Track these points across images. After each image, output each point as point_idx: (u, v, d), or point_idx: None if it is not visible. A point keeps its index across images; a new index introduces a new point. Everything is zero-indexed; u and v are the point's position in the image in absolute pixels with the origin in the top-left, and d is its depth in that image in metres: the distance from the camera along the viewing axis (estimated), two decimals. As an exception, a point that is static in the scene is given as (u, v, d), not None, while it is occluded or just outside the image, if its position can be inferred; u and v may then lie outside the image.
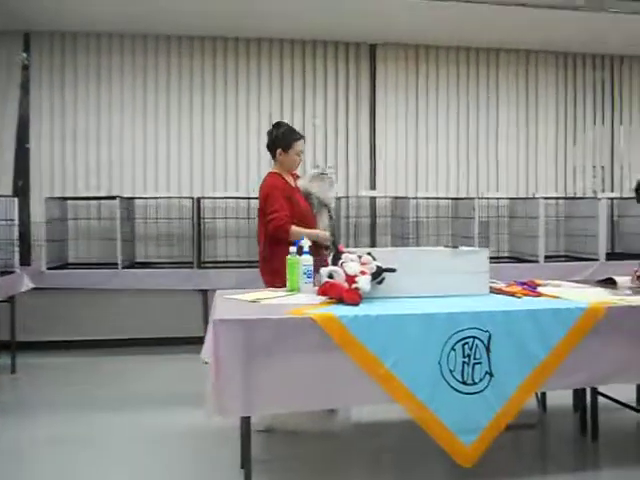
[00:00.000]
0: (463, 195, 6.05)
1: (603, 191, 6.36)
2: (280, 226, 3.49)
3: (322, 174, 3.69)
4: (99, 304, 5.52)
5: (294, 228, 3.50)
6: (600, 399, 3.21)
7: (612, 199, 6.20)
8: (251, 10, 5.10)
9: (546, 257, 5.54)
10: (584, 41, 6.03)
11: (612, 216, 6.25)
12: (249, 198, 5.69)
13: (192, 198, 5.50)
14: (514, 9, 4.97)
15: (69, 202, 5.58)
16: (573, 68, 6.42)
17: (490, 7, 4.94)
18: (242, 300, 2.86)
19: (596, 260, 5.52)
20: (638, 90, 6.52)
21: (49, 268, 5.09)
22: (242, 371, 2.35)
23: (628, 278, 3.34)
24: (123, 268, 5.16)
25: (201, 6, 4.97)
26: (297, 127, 5.74)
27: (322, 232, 3.57)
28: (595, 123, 6.48)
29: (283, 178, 3.68)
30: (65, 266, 5.41)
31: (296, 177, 3.81)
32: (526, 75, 6.34)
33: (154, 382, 4.49)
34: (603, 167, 6.49)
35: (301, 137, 3.73)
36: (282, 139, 3.68)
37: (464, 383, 2.48)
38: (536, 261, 5.46)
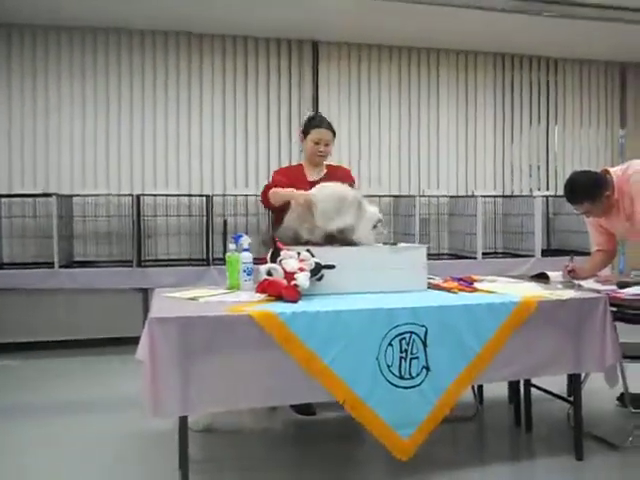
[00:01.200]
0: (404, 193, 6.14)
1: (539, 189, 6.56)
2: (262, 193, 3.42)
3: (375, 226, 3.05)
4: (35, 305, 5.36)
5: (272, 190, 3.32)
6: (533, 391, 3.31)
7: (547, 197, 6.40)
8: (195, 5, 5.04)
9: (484, 254, 5.69)
10: (521, 43, 6.22)
11: (547, 213, 6.45)
12: (190, 195, 5.63)
13: (132, 195, 5.38)
14: (453, 10, 5.07)
15: (2, 200, 5.36)
16: (510, 69, 6.60)
17: (430, 8, 5.01)
18: (180, 298, 2.82)
19: (532, 256, 5.70)
20: (572, 91, 6.76)
21: (-20, 268, 4.91)
22: (179, 370, 2.32)
23: (560, 273, 3.46)
24: (60, 267, 5.02)
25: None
26: (240, 125, 5.89)
27: (301, 192, 3.16)
28: (531, 123, 6.69)
29: (300, 169, 3.58)
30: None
31: (335, 170, 3.62)
32: (465, 75, 6.48)
33: (92, 384, 4.39)
34: (539, 166, 6.69)
35: (319, 126, 3.51)
36: (304, 125, 3.60)
37: (401, 378, 2.51)
38: (474, 257, 5.60)
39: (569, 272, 3.36)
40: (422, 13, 5.17)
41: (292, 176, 3.50)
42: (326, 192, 3.02)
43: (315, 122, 3.55)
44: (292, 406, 3.54)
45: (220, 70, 5.89)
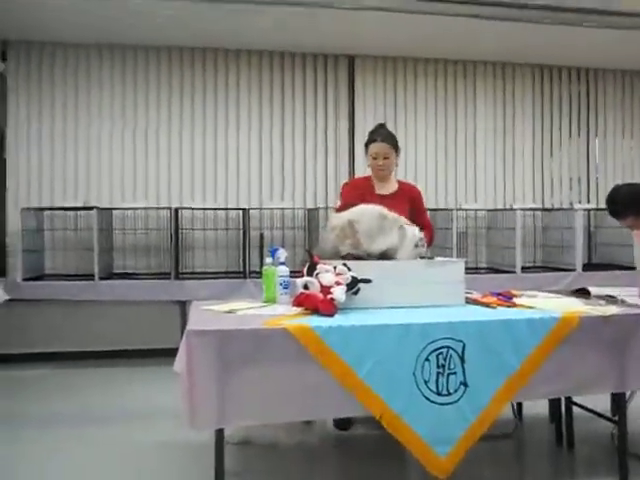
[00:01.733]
0: (442, 206, 6.09)
1: (580, 202, 6.43)
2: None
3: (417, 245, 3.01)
4: (76, 316, 5.46)
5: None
6: (575, 409, 3.22)
7: (588, 210, 6.27)
8: (230, 22, 5.11)
9: (523, 268, 5.58)
10: (560, 54, 6.13)
11: (589, 227, 6.31)
12: (227, 209, 5.68)
13: (170, 208, 5.45)
14: (490, 23, 5.02)
15: (45, 212, 5.52)
16: (549, 80, 6.51)
17: (466, 20, 4.98)
18: (217, 311, 2.84)
19: (573, 270, 5.57)
20: (612, 102, 6.63)
21: (25, 279, 5.02)
22: (216, 383, 2.33)
23: (602, 289, 3.37)
24: (100, 279, 5.10)
25: (180, 17, 4.98)
26: (276, 139, 5.93)
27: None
28: (571, 135, 6.57)
29: (369, 181, 3.56)
30: (41, 277, 5.33)
31: (407, 187, 3.62)
32: (503, 87, 6.41)
33: (130, 395, 4.44)
34: (579, 178, 6.57)
35: (375, 140, 3.46)
36: (367, 138, 3.57)
37: (438, 394, 2.47)
38: (513, 272, 5.50)
39: None
40: (458, 26, 5.14)
41: (360, 189, 3.50)
42: (368, 212, 2.99)
43: (372, 136, 3.51)
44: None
45: (257, 85, 5.95)
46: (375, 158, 3.46)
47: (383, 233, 2.92)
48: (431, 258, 3.10)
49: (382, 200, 3.31)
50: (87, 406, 4.13)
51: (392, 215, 2.99)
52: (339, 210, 3.42)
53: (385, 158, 3.46)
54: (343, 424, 3.47)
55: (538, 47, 5.84)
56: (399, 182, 3.61)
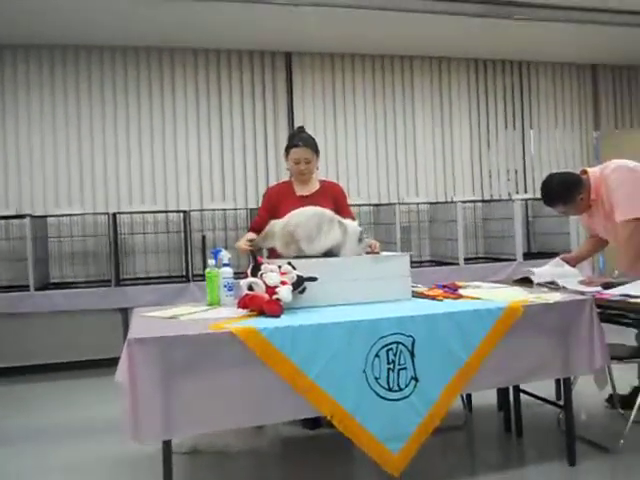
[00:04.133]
0: (384, 201, 6.12)
1: (517, 193, 6.58)
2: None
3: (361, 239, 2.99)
4: (11, 329, 5.20)
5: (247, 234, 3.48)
6: (522, 396, 3.27)
7: (526, 200, 6.41)
8: (166, 19, 4.98)
9: (466, 259, 5.68)
10: (493, 48, 6.25)
11: (527, 217, 6.46)
12: (167, 212, 5.55)
13: (107, 213, 5.28)
14: (426, 17, 5.06)
15: (-26, 222, 5.26)
16: (484, 74, 6.63)
17: (402, 15, 5.00)
18: (160, 317, 2.75)
19: (514, 260, 5.69)
20: (545, 95, 6.81)
21: (-47, 293, 4.78)
22: (160, 392, 2.24)
23: (543, 268, 3.44)
24: (36, 290, 4.90)
25: (117, 13, 4.82)
26: (215, 139, 5.82)
27: (241, 242, 3.34)
28: (507, 127, 6.72)
29: (290, 185, 3.56)
30: (-28, 290, 5.08)
31: (329, 185, 3.63)
32: (439, 81, 6.50)
33: (73, 408, 4.27)
34: (516, 170, 6.72)
35: (297, 145, 3.44)
36: (286, 143, 3.57)
37: (389, 390, 2.46)
38: (456, 263, 5.58)
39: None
40: (394, 20, 5.17)
41: (281, 193, 3.51)
42: (302, 215, 2.96)
43: (294, 141, 3.49)
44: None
45: (193, 83, 5.84)
46: (297, 163, 3.45)
47: (323, 232, 2.89)
48: (376, 253, 3.08)
49: (303, 201, 3.34)
50: (27, 422, 3.94)
51: (328, 212, 2.98)
52: (260, 214, 3.53)
53: (307, 162, 3.46)
54: (310, 424, 3.41)
55: (473, 41, 5.94)
56: (320, 181, 3.62)
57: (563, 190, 3.23)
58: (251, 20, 5.10)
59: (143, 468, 2.98)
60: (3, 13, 4.69)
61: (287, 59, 6.05)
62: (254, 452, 3.27)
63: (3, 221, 5.28)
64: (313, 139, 3.52)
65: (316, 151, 3.51)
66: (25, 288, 4.89)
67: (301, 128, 3.59)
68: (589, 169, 3.31)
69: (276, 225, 3.02)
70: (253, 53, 5.97)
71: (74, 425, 3.85)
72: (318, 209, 2.99)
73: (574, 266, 3.43)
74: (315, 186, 3.54)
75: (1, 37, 5.25)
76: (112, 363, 2.68)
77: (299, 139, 3.48)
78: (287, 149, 3.50)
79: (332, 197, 3.49)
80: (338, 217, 2.99)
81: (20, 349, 5.26)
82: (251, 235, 3.40)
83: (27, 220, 4.95)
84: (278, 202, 3.45)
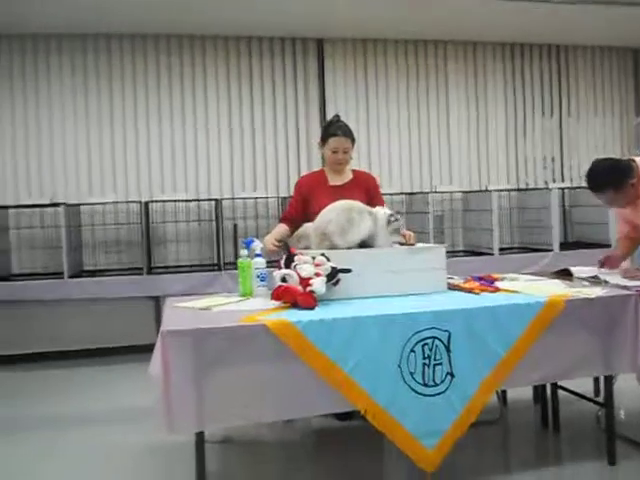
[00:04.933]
0: (417, 190, 6.03)
1: (554, 181, 6.42)
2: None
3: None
4: (46, 316, 5.28)
5: (278, 226, 3.47)
6: (560, 391, 3.19)
7: (563, 189, 6.26)
8: (195, 7, 4.95)
9: (501, 249, 5.56)
10: (531, 32, 6.07)
11: (564, 206, 6.31)
12: (199, 200, 5.55)
13: (140, 202, 5.30)
14: (459, 1, 4.94)
15: (10, 210, 5.31)
16: (520, 59, 6.46)
17: (437, -1, 4.91)
18: (192, 308, 2.74)
19: (550, 250, 5.57)
20: (584, 81, 6.61)
21: (-10, 280, 4.84)
22: (193, 384, 2.24)
23: (584, 268, 3.34)
24: (70, 277, 4.95)
25: (143, 3, 4.81)
26: (246, 128, 5.79)
27: (268, 239, 3.30)
28: (544, 114, 6.54)
29: (322, 174, 3.53)
30: (8, 277, 5.15)
31: (362, 176, 3.57)
32: (475, 67, 6.35)
33: (106, 395, 4.31)
34: (553, 158, 6.55)
35: (336, 134, 3.38)
36: (322, 132, 3.54)
37: (425, 385, 2.41)
38: (491, 254, 5.47)
39: (603, 264, 3.26)
40: (427, 5, 5.06)
41: (313, 183, 3.48)
42: (333, 211, 2.91)
43: (332, 130, 3.43)
44: None
45: (224, 72, 5.80)
46: (335, 152, 3.40)
47: (355, 224, 2.85)
48: (412, 244, 3.02)
49: (335, 191, 3.32)
50: (63, 408, 4.00)
51: (357, 204, 2.93)
52: (291, 204, 3.52)
53: (344, 152, 3.42)
54: (343, 415, 3.38)
55: (509, 25, 5.79)
56: (354, 171, 3.56)
57: (613, 174, 3.01)
58: (283, 6, 5.03)
59: (176, 457, 2.99)
60: (38, 3, 4.71)
61: (319, 46, 5.97)
62: (286, 442, 3.27)
63: (38, 209, 5.33)
64: (350, 128, 3.47)
65: (353, 140, 3.46)
66: (59, 275, 4.94)
67: (337, 117, 3.53)
68: (637, 158, 3.16)
69: (309, 227, 3.01)
70: (284, 40, 5.91)
71: (107, 412, 3.89)
72: (347, 202, 2.95)
73: (620, 263, 3.30)
74: (348, 176, 3.50)
75: (38, 26, 5.27)
76: (144, 350, 2.70)
77: (338, 128, 3.42)
78: (324, 138, 3.44)
79: (365, 188, 3.44)
80: (368, 207, 2.94)
81: (54, 335, 5.35)
82: (281, 230, 3.37)
83: (61, 208, 5.00)
84: (310, 192, 3.42)
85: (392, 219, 2.89)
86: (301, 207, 3.43)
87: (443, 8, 5.20)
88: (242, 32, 5.73)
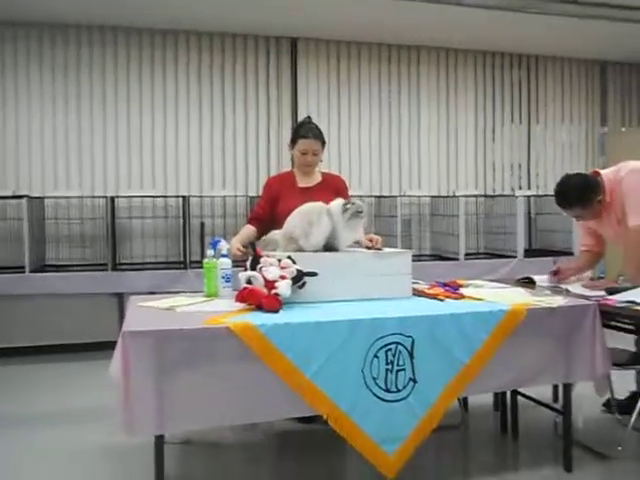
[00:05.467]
0: (386, 193, 6.06)
1: (520, 188, 6.52)
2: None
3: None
4: (6, 311, 5.17)
5: (244, 227, 3.44)
6: (519, 398, 3.23)
7: (529, 197, 6.35)
8: (170, 1, 4.89)
9: (466, 254, 5.63)
10: (502, 41, 6.16)
11: (529, 213, 6.40)
12: (166, 197, 5.49)
13: (106, 197, 5.22)
14: (435, 7, 4.98)
15: (-29, 202, 5.20)
16: (491, 67, 6.55)
17: (411, 5, 4.92)
18: (156, 308, 2.70)
19: (515, 257, 5.65)
20: (552, 90, 6.73)
21: (-52, 273, 4.72)
22: (154, 386, 2.21)
23: (546, 277, 3.39)
24: (31, 272, 4.85)
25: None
26: (217, 124, 5.75)
27: (234, 243, 3.21)
28: (512, 122, 6.64)
29: (291, 175, 3.50)
30: (-33, 270, 5.03)
31: (331, 178, 3.55)
32: (446, 73, 6.41)
33: (65, 392, 4.24)
34: (520, 165, 6.65)
35: (306, 136, 3.36)
36: (292, 133, 3.51)
37: (387, 391, 2.42)
38: (457, 258, 5.53)
39: (555, 274, 3.31)
40: (402, 9, 5.08)
41: (282, 184, 3.45)
42: (297, 215, 2.91)
43: (302, 131, 3.41)
44: None
45: (196, 67, 5.75)
46: (304, 154, 3.39)
47: (314, 226, 2.83)
48: (379, 249, 3.03)
49: (304, 192, 3.31)
50: (16, 406, 3.91)
51: (317, 205, 2.91)
52: (259, 204, 3.48)
53: (314, 154, 3.40)
54: (306, 418, 3.36)
55: (480, 33, 5.86)
56: (322, 174, 3.56)
57: (582, 192, 3.07)
58: (258, 3, 5.00)
59: (135, 458, 2.94)
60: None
61: (292, 45, 5.96)
62: (247, 445, 3.24)
63: (0, 201, 5.21)
64: (321, 131, 3.45)
65: (323, 143, 3.46)
66: (21, 270, 4.84)
67: (309, 118, 3.52)
68: (601, 171, 3.21)
69: (277, 234, 3.00)
70: (258, 38, 5.88)
71: (67, 411, 3.81)
72: (308, 205, 2.93)
73: (570, 276, 3.35)
74: (317, 178, 3.49)
75: (10, 14, 5.15)
76: (107, 347, 2.64)
77: (308, 130, 3.40)
78: (294, 139, 3.42)
79: (334, 190, 3.43)
80: (326, 206, 2.91)
81: (15, 331, 5.24)
82: (247, 232, 3.34)
83: (24, 201, 4.89)
84: (279, 193, 3.40)
85: (347, 207, 2.85)
86: (269, 207, 3.41)
87: (417, 14, 5.23)
88: (215, 28, 5.68)
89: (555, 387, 3.51)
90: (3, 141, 5.36)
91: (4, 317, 5.19)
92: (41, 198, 5.26)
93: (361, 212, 2.86)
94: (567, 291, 3.04)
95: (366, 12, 5.18)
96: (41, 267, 5.14)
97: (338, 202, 2.90)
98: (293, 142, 3.43)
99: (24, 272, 4.81)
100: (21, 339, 5.27)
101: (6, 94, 5.37)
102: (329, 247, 2.87)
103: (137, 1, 4.91)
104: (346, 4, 4.99)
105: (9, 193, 5.16)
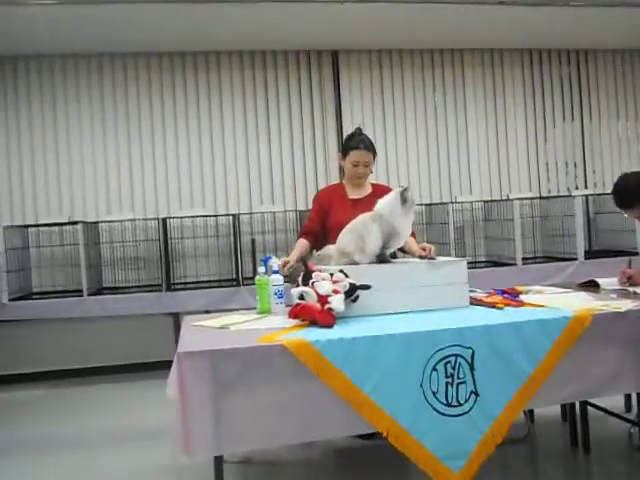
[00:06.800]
0: (436, 200, 5.95)
1: (577, 188, 6.30)
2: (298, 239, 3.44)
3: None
4: (66, 333, 5.32)
5: (298, 241, 3.38)
6: (589, 408, 3.08)
7: (587, 196, 6.13)
8: (208, 23, 4.96)
9: (524, 259, 5.44)
10: (548, 37, 5.98)
11: (588, 213, 6.18)
12: (217, 215, 5.53)
13: (157, 218, 5.30)
14: (475, 7, 4.90)
15: (30, 229, 5.36)
16: (539, 64, 6.37)
17: (450, 6, 4.86)
18: (209, 327, 2.69)
19: (575, 260, 5.43)
20: (605, 84, 6.49)
21: (11, 299, 4.86)
22: (211, 407, 2.18)
23: (611, 280, 3.24)
24: (89, 295, 4.96)
25: (157, 19, 4.81)
26: (262, 141, 5.77)
27: (292, 257, 3.20)
28: (564, 119, 6.43)
29: (341, 187, 3.48)
30: (29, 296, 5.17)
31: (381, 189, 3.43)
32: (492, 74, 6.27)
33: (125, 413, 4.29)
34: (575, 163, 6.43)
35: (357, 147, 3.33)
36: (343, 144, 3.48)
37: (449, 405, 2.32)
38: (514, 264, 5.36)
39: (627, 279, 3.14)
40: (442, 13, 5.01)
41: (332, 196, 3.42)
42: (348, 231, 2.86)
43: (353, 143, 3.37)
44: None
45: (239, 86, 5.80)
46: (356, 165, 3.35)
47: (365, 238, 2.79)
48: (432, 258, 2.95)
49: (355, 204, 3.28)
50: (81, 427, 3.99)
51: (360, 218, 2.86)
52: (311, 218, 3.44)
53: (365, 166, 3.37)
54: (365, 434, 3.30)
55: (525, 30, 5.70)
56: (373, 185, 3.51)
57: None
58: (297, 19, 5.02)
59: (194, 477, 2.94)
60: (55, 24, 4.74)
61: (334, 57, 5.94)
62: (307, 463, 3.20)
63: (57, 228, 5.36)
64: (372, 142, 3.41)
65: (374, 154, 3.41)
66: (79, 293, 4.95)
67: (359, 129, 3.47)
68: None
69: (331, 249, 2.96)
70: (299, 53, 5.89)
71: (127, 431, 3.86)
72: (356, 220, 2.88)
73: None
74: (367, 189, 3.44)
75: (53, 47, 5.32)
76: (164, 367, 2.65)
77: (360, 141, 3.36)
78: (346, 150, 3.39)
79: None
80: (370, 214, 2.84)
81: (74, 353, 5.38)
82: (301, 247, 3.32)
83: (79, 226, 5.02)
84: (329, 205, 3.37)
85: (404, 195, 2.79)
86: (320, 220, 3.38)
87: (457, 17, 5.14)
88: (256, 46, 5.73)
89: (627, 395, 3.34)
90: (57, 170, 5.52)
91: (63, 340, 5.33)
92: (95, 223, 5.38)
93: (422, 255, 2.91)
94: (635, 293, 2.88)
95: (404, 18, 5.11)
96: (98, 290, 5.25)
97: (391, 196, 2.84)
98: (344, 153, 3.40)
99: (82, 295, 4.92)
100: (80, 361, 5.40)
101: (58, 124, 5.53)
102: (383, 258, 2.81)
103: (177, 27, 4.98)
104: (383, 13, 4.93)
105: (65, 219, 5.30)
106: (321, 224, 3.36)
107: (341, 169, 3.55)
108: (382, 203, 2.85)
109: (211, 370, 2.19)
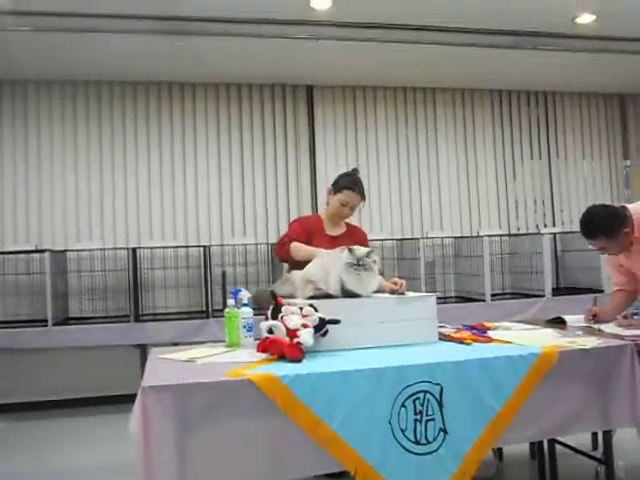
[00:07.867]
0: (408, 235, 5.99)
1: (545, 226, 6.41)
2: (280, 244, 3.28)
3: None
4: (29, 364, 5.16)
5: (294, 244, 3.20)
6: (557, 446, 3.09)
7: (555, 234, 6.24)
8: (184, 54, 4.98)
9: (493, 295, 5.49)
10: (518, 79, 6.16)
11: (555, 251, 6.28)
12: (188, 246, 5.49)
13: (127, 248, 5.24)
14: (447, 48, 5.00)
15: (-5, 257, 5.25)
16: (508, 105, 6.53)
17: (425, 47, 4.96)
18: (176, 360, 2.64)
19: (542, 296, 5.50)
20: (571, 125, 6.68)
21: (-27, 329, 4.73)
22: (175, 443, 2.12)
23: (577, 317, 3.28)
24: (54, 325, 4.84)
25: (133, 49, 4.83)
26: (235, 173, 5.77)
27: (323, 250, 3.06)
28: (532, 158, 6.58)
29: (319, 221, 3.45)
30: (-9, 325, 5.04)
31: (354, 230, 3.50)
32: (463, 113, 6.40)
33: (89, 448, 4.16)
34: (544, 201, 6.56)
35: (352, 189, 3.30)
36: (337, 180, 3.42)
37: (417, 443, 2.30)
38: (483, 300, 5.40)
39: (593, 317, 3.18)
40: (416, 53, 5.12)
41: (311, 227, 3.39)
42: (315, 265, 2.90)
43: (348, 183, 3.35)
44: None
45: (214, 118, 5.82)
46: (344, 205, 3.35)
47: (328, 270, 2.79)
48: (402, 293, 2.96)
49: (332, 240, 3.29)
50: (41, 462, 3.86)
51: (330, 253, 2.89)
52: (297, 233, 3.31)
53: (351, 209, 3.38)
54: (334, 473, 3.23)
55: (496, 72, 5.87)
56: (346, 224, 3.52)
57: (607, 221, 2.97)
58: (273, 54, 5.08)
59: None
60: (26, 50, 4.72)
61: (309, 92, 6.02)
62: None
63: (23, 256, 5.26)
64: (364, 187, 3.42)
65: (363, 201, 3.42)
66: (43, 323, 4.84)
67: (356, 170, 3.48)
68: (628, 205, 3.12)
69: (297, 274, 2.95)
70: (274, 86, 5.95)
71: (89, 466, 3.75)
72: (325, 254, 2.92)
73: (607, 322, 3.19)
74: (343, 227, 3.47)
75: (26, 73, 5.29)
76: (130, 399, 2.58)
77: (355, 184, 3.36)
78: (339, 188, 3.37)
79: (357, 241, 3.38)
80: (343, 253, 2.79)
81: (38, 385, 5.23)
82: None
83: (46, 255, 4.93)
84: (310, 235, 3.33)
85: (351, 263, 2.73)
86: (305, 239, 3.30)
87: (430, 57, 5.26)
88: (232, 79, 5.77)
89: (594, 433, 3.36)
90: (26, 196, 5.44)
91: (27, 371, 5.18)
92: (63, 251, 5.29)
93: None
94: (600, 331, 2.92)
95: (379, 56, 5.22)
96: (64, 320, 5.14)
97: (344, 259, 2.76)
98: (336, 190, 3.38)
99: (46, 326, 4.81)
100: (43, 393, 5.25)
101: (28, 151, 5.47)
102: (349, 293, 2.80)
103: (154, 56, 5.00)
104: (358, 50, 5.03)
105: (32, 247, 5.21)
106: (305, 242, 3.28)
107: (328, 202, 3.49)
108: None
109: (175, 405, 2.14)
